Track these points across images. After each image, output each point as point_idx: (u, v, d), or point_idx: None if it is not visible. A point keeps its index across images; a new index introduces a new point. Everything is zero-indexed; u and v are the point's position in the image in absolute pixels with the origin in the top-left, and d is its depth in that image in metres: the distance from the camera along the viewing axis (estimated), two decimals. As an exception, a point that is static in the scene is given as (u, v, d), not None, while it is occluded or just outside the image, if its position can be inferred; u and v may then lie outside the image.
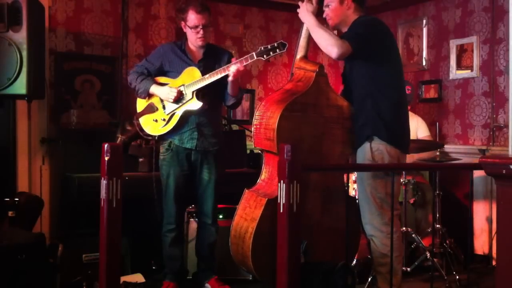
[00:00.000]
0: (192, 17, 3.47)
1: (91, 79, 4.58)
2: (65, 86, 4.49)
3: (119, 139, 4.01)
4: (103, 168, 2.38)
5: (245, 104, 5.38)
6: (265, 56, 3.32)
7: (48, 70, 4.33)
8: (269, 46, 3.33)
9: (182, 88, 3.46)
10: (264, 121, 3.06)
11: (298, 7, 3.15)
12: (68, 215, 4.14)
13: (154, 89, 3.51)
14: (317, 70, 3.09)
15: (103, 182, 2.37)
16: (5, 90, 3.43)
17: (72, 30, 4.54)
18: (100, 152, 2.40)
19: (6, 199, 3.49)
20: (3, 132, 3.77)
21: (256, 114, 3.14)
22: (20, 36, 3.41)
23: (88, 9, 4.62)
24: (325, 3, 3.17)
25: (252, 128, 3.17)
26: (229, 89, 3.48)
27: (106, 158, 2.37)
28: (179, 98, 3.45)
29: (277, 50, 3.31)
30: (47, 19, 4.16)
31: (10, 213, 3.45)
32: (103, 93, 4.60)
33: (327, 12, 3.17)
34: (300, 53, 3.24)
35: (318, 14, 3.17)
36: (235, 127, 4.97)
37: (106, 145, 2.38)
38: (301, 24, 3.21)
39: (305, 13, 3.09)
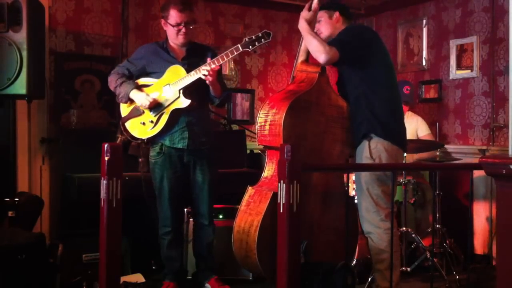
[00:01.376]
0: (174, 15, 3.43)
1: (91, 79, 4.58)
2: (65, 86, 4.49)
3: (119, 139, 4.00)
4: (103, 168, 2.38)
5: (245, 104, 5.38)
6: (250, 47, 3.31)
7: (48, 70, 4.33)
8: (253, 37, 3.33)
9: (167, 87, 3.42)
10: (269, 118, 3.11)
11: (298, 7, 3.23)
12: (68, 215, 4.14)
13: (132, 94, 3.43)
14: (319, 71, 3.18)
15: (103, 182, 2.37)
16: (5, 90, 3.43)
17: (72, 30, 4.54)
18: (100, 152, 2.40)
19: (6, 199, 3.49)
20: (3, 132, 3.77)
21: (261, 113, 3.18)
22: (20, 36, 3.41)
23: (88, 9, 4.62)
24: (316, 19, 3.28)
25: (256, 126, 3.22)
26: (211, 90, 3.45)
27: (106, 158, 2.37)
28: (158, 103, 3.40)
29: (262, 40, 3.31)
30: (47, 19, 4.15)
31: (10, 213, 3.45)
32: (103, 93, 4.59)
33: (318, 27, 3.29)
34: (301, 57, 3.34)
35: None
36: (235, 127, 4.97)
37: (106, 145, 2.38)
38: None
39: (300, 19, 3.18)
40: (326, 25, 3.28)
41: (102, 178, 2.38)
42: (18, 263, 2.96)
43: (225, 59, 3.33)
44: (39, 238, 3.20)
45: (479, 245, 4.65)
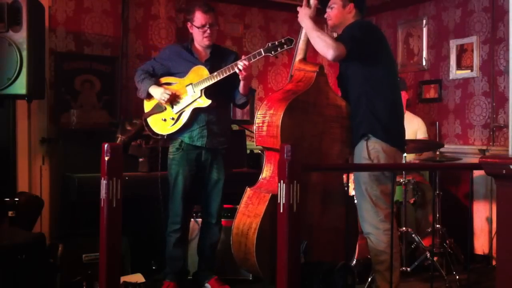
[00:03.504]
0: (199, 17, 3.53)
1: (91, 79, 4.58)
2: (65, 86, 4.49)
3: (119, 139, 4.01)
4: (103, 168, 2.38)
5: (245, 104, 5.38)
6: (273, 52, 3.35)
7: (48, 70, 4.32)
8: (276, 42, 3.36)
9: (190, 87, 3.48)
10: (266, 119, 3.10)
11: (298, 10, 3.21)
12: (68, 215, 4.14)
13: (151, 90, 3.55)
14: (317, 70, 3.16)
15: (103, 182, 2.37)
16: (5, 90, 3.43)
17: (72, 30, 4.54)
18: (100, 152, 2.40)
19: (6, 199, 3.49)
20: (3, 132, 3.76)
21: (258, 113, 3.17)
22: (20, 36, 3.41)
23: (88, 9, 4.62)
24: (329, 4, 3.27)
25: (254, 127, 3.20)
26: (241, 88, 3.51)
27: (106, 158, 2.37)
28: (177, 98, 3.49)
29: (285, 46, 3.35)
30: (47, 19, 4.15)
31: (10, 213, 3.45)
32: (103, 93, 4.60)
33: (329, 13, 3.26)
34: (299, 55, 3.31)
35: (319, 14, 3.21)
36: (235, 127, 4.96)
37: (106, 145, 2.38)
38: (300, 25, 3.26)
39: (302, 17, 3.17)
40: (338, 13, 3.23)
41: (102, 178, 2.38)
42: (18, 263, 2.96)
43: (248, 62, 3.36)
44: (39, 238, 3.20)
45: (479, 245, 4.65)
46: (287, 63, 5.47)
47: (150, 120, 3.61)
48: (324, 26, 3.29)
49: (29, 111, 4.25)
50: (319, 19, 3.18)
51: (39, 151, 4.34)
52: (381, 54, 3.17)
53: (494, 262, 4.43)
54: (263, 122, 3.12)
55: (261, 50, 3.35)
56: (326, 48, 3.00)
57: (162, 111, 3.57)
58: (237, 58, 3.60)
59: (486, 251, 4.58)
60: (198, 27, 3.55)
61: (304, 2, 3.18)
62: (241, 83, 3.48)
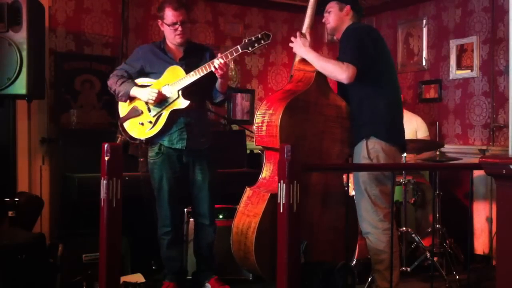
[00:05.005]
0: (169, 14, 3.42)
1: (91, 79, 4.58)
2: (65, 86, 4.49)
3: (119, 139, 4.01)
4: (103, 168, 2.38)
5: (245, 104, 5.38)
6: (250, 48, 3.30)
7: (48, 70, 4.33)
8: (253, 38, 3.32)
9: (166, 88, 3.40)
10: (266, 118, 3.10)
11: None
12: (68, 215, 4.14)
13: (134, 91, 3.41)
14: (317, 70, 3.15)
15: (103, 182, 2.37)
16: (5, 90, 3.43)
17: (72, 30, 4.54)
18: (100, 152, 2.40)
19: (6, 199, 3.49)
20: (3, 132, 3.76)
21: (258, 113, 3.18)
22: (20, 36, 3.42)
23: (88, 9, 4.62)
24: (326, 9, 3.30)
25: (254, 127, 3.21)
26: (218, 85, 3.43)
27: (106, 158, 2.37)
28: (164, 98, 3.39)
29: (262, 42, 3.30)
30: (47, 19, 4.15)
31: (10, 213, 3.45)
32: (103, 93, 4.59)
33: (327, 17, 3.30)
34: (299, 56, 3.30)
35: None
36: (235, 127, 4.97)
37: (106, 145, 2.39)
38: (300, 26, 3.29)
39: (302, 49, 3.19)
40: (335, 17, 3.26)
41: (102, 178, 2.38)
42: (18, 263, 2.96)
43: (225, 59, 3.31)
44: (39, 238, 3.20)
45: (479, 245, 4.65)
46: (287, 63, 5.47)
47: (127, 125, 3.49)
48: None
49: (29, 111, 4.26)
50: (316, 24, 3.21)
51: (39, 151, 4.34)
52: (379, 54, 3.17)
53: (494, 262, 4.42)
54: (262, 122, 3.13)
55: (238, 47, 3.30)
56: (337, 73, 3.02)
57: (139, 114, 3.45)
58: (212, 54, 3.52)
59: (486, 251, 4.58)
60: (169, 25, 3.43)
61: (298, 34, 3.21)
62: (219, 81, 3.39)
